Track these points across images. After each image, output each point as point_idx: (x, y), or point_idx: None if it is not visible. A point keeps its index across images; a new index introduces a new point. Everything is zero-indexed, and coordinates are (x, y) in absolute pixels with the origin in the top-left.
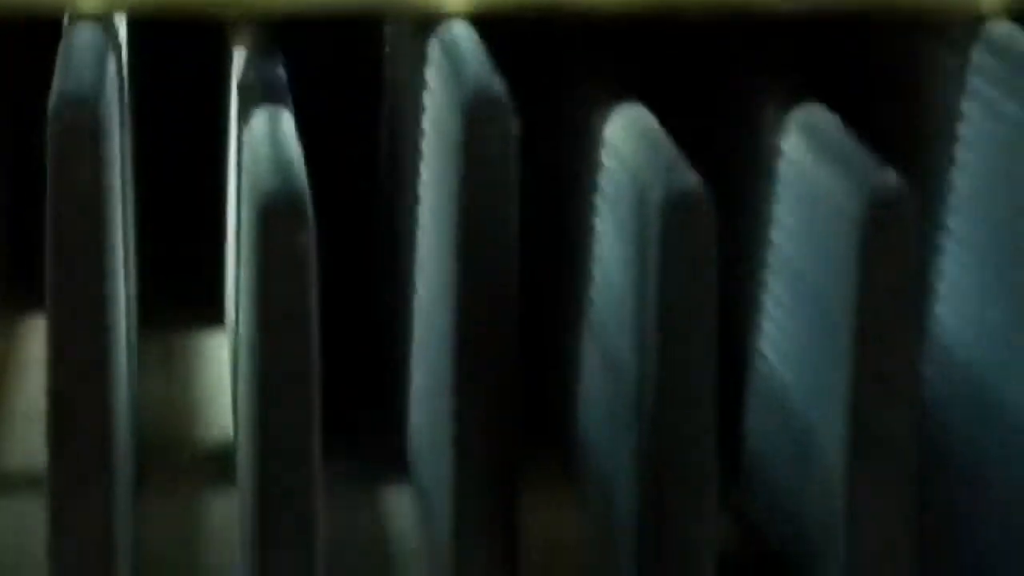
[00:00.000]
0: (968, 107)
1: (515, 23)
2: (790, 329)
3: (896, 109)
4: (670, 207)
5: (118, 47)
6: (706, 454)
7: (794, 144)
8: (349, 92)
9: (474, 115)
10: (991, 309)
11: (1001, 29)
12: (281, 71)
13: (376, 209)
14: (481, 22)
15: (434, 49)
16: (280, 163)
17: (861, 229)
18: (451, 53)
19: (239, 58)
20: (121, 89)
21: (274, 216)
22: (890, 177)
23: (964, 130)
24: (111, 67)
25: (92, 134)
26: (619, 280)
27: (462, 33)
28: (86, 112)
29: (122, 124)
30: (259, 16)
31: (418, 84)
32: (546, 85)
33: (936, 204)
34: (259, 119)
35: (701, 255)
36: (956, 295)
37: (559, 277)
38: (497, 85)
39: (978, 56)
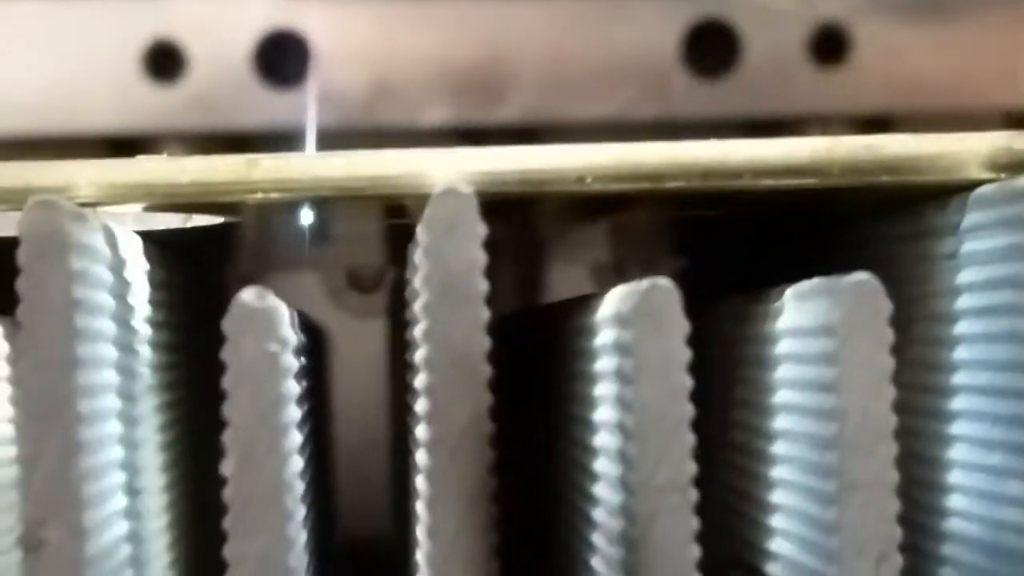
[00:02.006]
0: (963, 272)
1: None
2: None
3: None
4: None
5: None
6: None
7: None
8: None
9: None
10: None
11: (989, 189)
12: None
13: None
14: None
15: (427, 219)
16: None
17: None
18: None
19: None
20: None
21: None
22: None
23: (962, 296)
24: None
25: None
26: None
27: (453, 203)
28: None
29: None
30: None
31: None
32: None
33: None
34: None
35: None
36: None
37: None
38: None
39: (970, 218)
